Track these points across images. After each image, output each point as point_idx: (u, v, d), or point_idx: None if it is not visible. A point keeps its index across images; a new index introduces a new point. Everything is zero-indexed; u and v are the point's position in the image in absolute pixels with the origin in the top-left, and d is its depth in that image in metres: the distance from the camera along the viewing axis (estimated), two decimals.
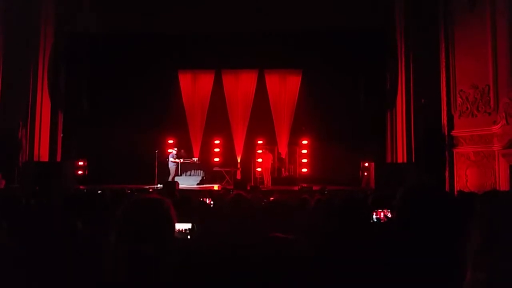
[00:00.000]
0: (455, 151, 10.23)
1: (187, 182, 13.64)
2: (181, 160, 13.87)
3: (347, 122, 14.03)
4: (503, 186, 8.64)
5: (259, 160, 14.18)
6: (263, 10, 12.62)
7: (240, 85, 15.22)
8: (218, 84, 15.12)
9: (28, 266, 2.04)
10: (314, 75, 14.40)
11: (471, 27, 9.84)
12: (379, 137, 13.76)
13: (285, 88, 15.19)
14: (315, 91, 14.40)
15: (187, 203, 4.63)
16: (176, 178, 13.40)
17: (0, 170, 10.27)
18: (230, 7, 12.61)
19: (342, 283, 2.01)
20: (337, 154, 13.74)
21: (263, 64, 14.76)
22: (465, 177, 9.89)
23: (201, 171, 14.43)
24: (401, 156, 12.12)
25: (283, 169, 14.94)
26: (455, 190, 9.42)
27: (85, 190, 8.60)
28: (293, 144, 15.11)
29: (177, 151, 13.88)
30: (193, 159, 14.54)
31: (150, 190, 9.91)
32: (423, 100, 10.92)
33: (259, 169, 14.20)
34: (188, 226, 3.55)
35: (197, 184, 13.69)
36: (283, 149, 15.05)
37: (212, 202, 5.74)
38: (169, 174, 13.55)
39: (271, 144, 14.84)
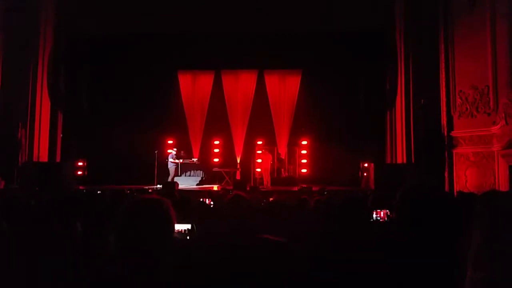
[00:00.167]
0: (454, 151, 10.23)
1: (187, 182, 13.64)
2: (181, 161, 13.87)
3: (346, 122, 14.02)
4: (502, 186, 8.64)
5: (259, 160, 14.18)
6: (262, 10, 12.62)
7: (240, 86, 15.22)
8: (217, 85, 15.12)
9: (27, 266, 2.04)
10: (314, 76, 14.41)
11: (470, 28, 9.85)
12: (379, 138, 13.77)
13: (284, 88, 15.19)
14: (314, 91, 14.41)
15: (187, 204, 4.63)
16: (176, 179, 13.40)
17: None
18: (230, 8, 12.61)
19: (342, 283, 2.01)
20: (336, 155, 13.73)
21: (262, 65, 14.77)
22: (464, 178, 9.89)
23: (201, 172, 14.43)
24: (401, 157, 12.12)
25: (282, 170, 14.94)
26: (455, 191, 9.43)
27: (84, 191, 8.60)
28: (293, 144, 15.11)
29: (177, 152, 13.88)
30: (193, 159, 14.54)
31: (150, 190, 9.89)
32: (422, 101, 10.93)
33: (258, 170, 14.20)
34: (187, 226, 3.55)
35: (197, 185, 13.69)
36: (282, 150, 15.06)
37: (212, 203, 5.74)
38: (168, 174, 13.54)
39: (270, 144, 14.84)
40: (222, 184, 13.57)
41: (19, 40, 11.63)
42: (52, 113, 13.00)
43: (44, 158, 12.56)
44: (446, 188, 10.05)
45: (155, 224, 1.57)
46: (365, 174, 13.37)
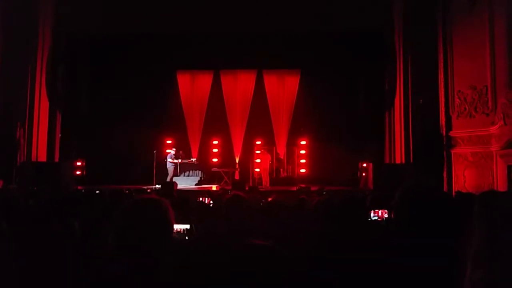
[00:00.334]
0: (453, 151, 10.25)
1: (186, 182, 13.63)
2: (179, 161, 13.86)
3: (345, 122, 14.03)
4: (501, 186, 8.65)
5: (258, 160, 14.17)
6: (261, 11, 12.61)
7: (239, 86, 15.22)
8: (216, 85, 15.12)
9: (26, 267, 2.04)
10: (313, 76, 14.42)
11: (469, 28, 9.87)
12: (378, 138, 13.78)
13: (283, 88, 15.20)
14: (313, 91, 14.42)
15: (185, 204, 4.63)
16: (175, 179, 13.39)
17: None
18: (229, 8, 12.60)
19: (341, 283, 2.01)
20: (335, 155, 13.75)
21: (261, 65, 14.77)
22: (463, 178, 9.90)
23: (200, 172, 14.43)
24: (399, 157, 12.14)
25: (281, 170, 14.95)
26: (453, 191, 9.43)
27: (83, 191, 8.58)
28: (292, 144, 15.12)
29: (176, 152, 13.87)
30: (192, 159, 14.54)
31: (148, 190, 9.89)
32: (421, 101, 10.94)
33: (257, 170, 14.19)
34: (186, 226, 3.54)
35: (196, 185, 13.68)
36: (281, 150, 15.06)
37: (211, 202, 5.74)
38: (167, 174, 13.54)
39: (269, 144, 14.84)
40: (221, 184, 13.56)
41: (18, 40, 11.61)
42: (50, 113, 12.99)
43: (43, 158, 12.55)
44: (445, 188, 10.06)
45: (154, 224, 1.57)
46: (363, 174, 13.38)
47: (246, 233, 2.45)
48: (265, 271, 1.39)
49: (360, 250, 2.06)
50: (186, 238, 3.44)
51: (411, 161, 11.21)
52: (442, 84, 10.53)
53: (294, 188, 12.17)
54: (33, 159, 12.06)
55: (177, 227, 3.47)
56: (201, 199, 6.25)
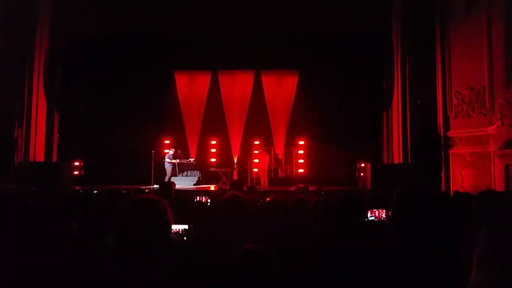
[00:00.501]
0: (451, 151, 10.27)
1: (184, 182, 13.62)
2: (177, 161, 13.85)
3: (343, 122, 14.02)
4: (498, 186, 8.68)
5: (256, 160, 14.17)
6: (261, 11, 12.60)
7: (237, 86, 15.21)
8: (214, 85, 15.11)
9: (24, 267, 2.03)
10: (311, 76, 14.43)
11: (467, 28, 9.89)
12: (376, 138, 13.79)
13: (281, 88, 15.19)
14: (311, 91, 14.44)
15: (183, 204, 4.63)
16: (173, 179, 13.38)
17: None
18: (228, 8, 12.59)
19: (340, 283, 2.02)
20: (333, 155, 13.76)
21: (259, 65, 14.75)
22: (461, 178, 9.93)
23: (198, 172, 14.43)
24: (397, 157, 12.15)
25: (279, 170, 14.95)
26: (451, 191, 9.45)
27: (81, 191, 8.57)
28: (290, 144, 15.12)
29: (174, 152, 13.86)
30: (190, 159, 14.53)
31: (147, 190, 9.88)
32: (419, 101, 10.96)
33: (255, 170, 14.19)
34: (184, 227, 3.53)
35: (194, 185, 13.67)
36: (279, 150, 15.06)
37: (209, 200, 5.74)
38: (165, 174, 13.52)
39: (267, 144, 14.84)
40: (219, 184, 13.56)
41: (16, 40, 11.58)
42: (48, 113, 12.94)
43: (41, 158, 12.51)
44: (443, 188, 10.08)
45: (153, 224, 1.57)
46: (361, 174, 13.40)
47: (244, 233, 2.45)
48: (259, 272, 1.40)
49: (358, 250, 2.07)
50: (184, 238, 3.44)
51: (409, 161, 11.23)
52: (440, 84, 10.55)
53: (292, 188, 12.17)
54: (31, 159, 12.03)
55: (175, 227, 3.46)
56: (198, 198, 6.25)
